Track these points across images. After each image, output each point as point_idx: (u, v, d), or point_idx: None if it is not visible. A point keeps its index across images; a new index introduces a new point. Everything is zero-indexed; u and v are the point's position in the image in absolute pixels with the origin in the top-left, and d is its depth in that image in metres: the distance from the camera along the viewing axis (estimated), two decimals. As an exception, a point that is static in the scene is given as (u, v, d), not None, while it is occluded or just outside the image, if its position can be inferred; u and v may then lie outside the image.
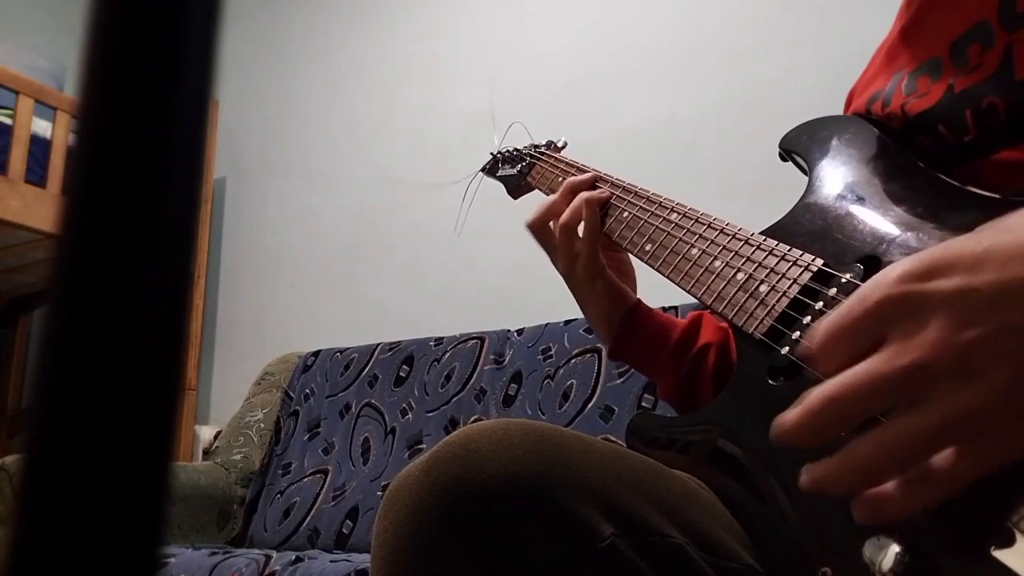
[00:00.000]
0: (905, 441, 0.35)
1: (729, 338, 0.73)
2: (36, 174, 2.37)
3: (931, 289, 0.35)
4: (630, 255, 0.76)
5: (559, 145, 0.94)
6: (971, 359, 0.33)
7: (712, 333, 0.75)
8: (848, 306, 0.38)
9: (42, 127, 2.41)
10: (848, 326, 0.37)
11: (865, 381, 0.35)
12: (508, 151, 1.00)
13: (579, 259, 0.75)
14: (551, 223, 0.78)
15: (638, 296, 0.79)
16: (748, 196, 1.51)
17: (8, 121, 2.31)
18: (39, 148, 2.38)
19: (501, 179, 1.00)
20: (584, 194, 0.76)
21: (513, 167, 0.97)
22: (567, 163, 0.87)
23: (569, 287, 0.79)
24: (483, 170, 1.04)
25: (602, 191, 0.77)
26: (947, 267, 0.35)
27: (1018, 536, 0.35)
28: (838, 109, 0.74)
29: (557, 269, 0.79)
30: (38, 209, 2.31)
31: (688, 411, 0.72)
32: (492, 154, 1.03)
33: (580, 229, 0.75)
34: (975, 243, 0.35)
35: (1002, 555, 0.35)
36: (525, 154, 0.96)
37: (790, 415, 0.37)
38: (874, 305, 0.36)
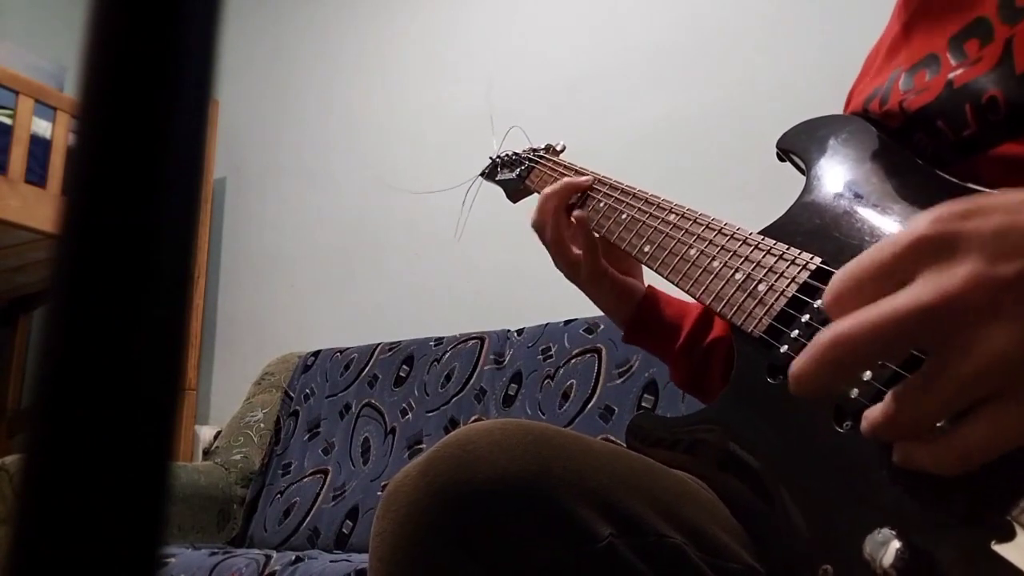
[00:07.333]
0: (921, 393, 0.32)
1: None
2: (36, 174, 2.36)
3: (969, 227, 0.32)
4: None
5: (558, 148, 0.94)
6: (1006, 297, 0.30)
7: (723, 327, 0.75)
8: (875, 248, 0.34)
9: (42, 127, 2.41)
10: (873, 268, 0.34)
11: (882, 319, 0.32)
12: (507, 155, 1.01)
13: (581, 266, 0.77)
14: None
15: (647, 285, 0.80)
16: (749, 196, 1.51)
17: (8, 121, 2.31)
18: (39, 148, 2.38)
19: (500, 183, 1.00)
20: (553, 200, 0.78)
21: (512, 171, 0.97)
22: (566, 166, 0.87)
23: (577, 286, 0.80)
24: (482, 175, 1.04)
25: (574, 183, 0.78)
26: (987, 209, 0.33)
27: (1018, 530, 0.35)
28: (839, 108, 0.74)
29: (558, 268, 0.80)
30: (38, 209, 2.31)
31: (703, 399, 0.75)
32: (491, 158, 1.03)
33: (577, 237, 0.77)
34: (1015, 193, 0.33)
35: (1002, 549, 0.35)
36: (524, 158, 0.97)
37: (797, 360, 0.34)
38: (906, 245, 0.33)
